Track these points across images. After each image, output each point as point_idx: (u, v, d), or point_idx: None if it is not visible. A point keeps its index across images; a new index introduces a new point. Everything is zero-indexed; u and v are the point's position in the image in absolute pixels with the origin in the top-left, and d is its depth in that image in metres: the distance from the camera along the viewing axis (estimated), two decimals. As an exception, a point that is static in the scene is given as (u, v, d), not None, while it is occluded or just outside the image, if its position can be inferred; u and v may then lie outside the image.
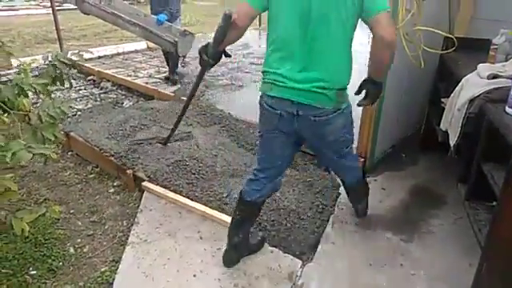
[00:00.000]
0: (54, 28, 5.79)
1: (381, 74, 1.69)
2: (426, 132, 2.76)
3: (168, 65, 4.90)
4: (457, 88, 2.03)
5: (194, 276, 1.83)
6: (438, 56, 2.61)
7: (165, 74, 5.07)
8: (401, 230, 2.15)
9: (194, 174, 2.61)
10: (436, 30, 2.39)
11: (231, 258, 1.90)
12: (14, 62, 1.77)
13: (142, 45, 6.74)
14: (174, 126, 2.82)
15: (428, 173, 2.65)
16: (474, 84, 1.88)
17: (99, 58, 6.11)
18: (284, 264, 1.90)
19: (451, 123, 2.04)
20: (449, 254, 1.99)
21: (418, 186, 2.54)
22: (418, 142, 2.95)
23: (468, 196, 2.05)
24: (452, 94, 2.07)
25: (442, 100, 2.37)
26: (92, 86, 4.83)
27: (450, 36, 2.50)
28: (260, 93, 1.73)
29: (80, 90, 4.69)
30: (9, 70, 1.86)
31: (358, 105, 1.81)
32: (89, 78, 5.01)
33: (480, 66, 1.98)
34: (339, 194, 2.51)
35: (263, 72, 1.71)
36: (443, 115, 2.15)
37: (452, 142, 2.00)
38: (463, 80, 1.99)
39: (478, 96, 1.80)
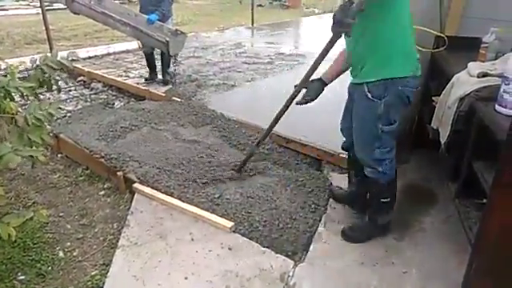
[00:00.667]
0: (44, 28, 5.73)
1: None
2: (418, 130, 2.76)
3: (148, 66, 4.86)
4: (447, 86, 2.03)
5: (186, 278, 1.81)
6: (428, 55, 2.62)
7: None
8: (392, 228, 2.15)
9: (184, 175, 2.59)
10: (426, 29, 2.39)
11: None
12: (3, 64, 1.74)
13: (134, 45, 6.70)
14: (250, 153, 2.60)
15: (419, 171, 2.66)
16: (464, 82, 1.89)
17: (90, 58, 6.07)
18: (276, 264, 1.89)
19: (442, 121, 2.04)
20: (440, 251, 2.00)
21: (410, 185, 2.54)
22: (410, 140, 2.96)
23: (458, 194, 2.06)
24: (443, 93, 2.07)
25: (433, 98, 2.38)
26: (82, 87, 4.78)
27: (441, 34, 2.50)
28: (398, 77, 1.74)
29: (70, 90, 4.64)
30: (-4, 71, 1.83)
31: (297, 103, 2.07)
32: (79, 78, 4.95)
33: (470, 64, 1.98)
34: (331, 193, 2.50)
35: (404, 53, 1.76)
36: (434, 113, 2.15)
37: (443, 140, 2.01)
38: (454, 78, 1.99)
39: (469, 94, 1.80)
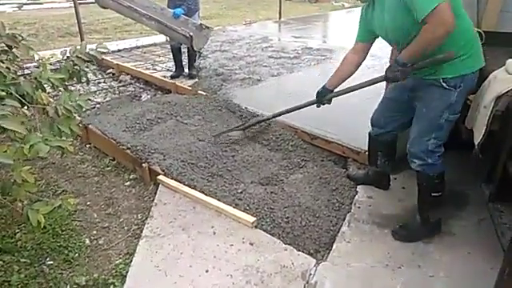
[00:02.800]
0: (76, 21, 5.88)
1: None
2: (450, 130, 2.66)
3: (175, 61, 4.87)
4: (483, 84, 1.94)
5: (207, 271, 1.82)
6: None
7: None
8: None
9: (208, 168, 2.60)
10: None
11: None
12: (36, 56, 1.80)
13: (161, 38, 6.78)
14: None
15: (451, 172, 2.53)
16: (501, 80, 1.79)
17: (119, 51, 6.19)
18: (297, 262, 1.87)
19: (476, 121, 1.95)
20: (470, 256, 1.92)
21: (439, 186, 2.45)
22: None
23: (492, 197, 1.97)
24: (478, 91, 1.98)
25: (468, 97, 2.28)
26: (111, 79, 4.89)
27: (478, 30, 2.38)
28: (462, 72, 1.77)
29: (99, 83, 4.76)
30: (31, 63, 1.89)
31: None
32: (108, 71, 5.07)
33: (509, 61, 1.88)
34: (356, 192, 2.45)
35: (477, 44, 1.81)
36: (468, 113, 2.06)
37: (477, 141, 1.92)
38: (490, 76, 1.90)
39: (506, 93, 1.71)
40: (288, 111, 2.72)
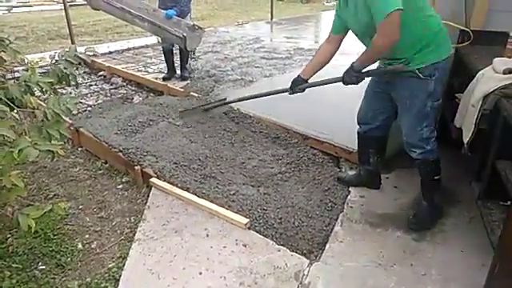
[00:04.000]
0: (66, 24, 5.85)
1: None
2: (440, 129, 2.68)
3: (167, 64, 4.85)
4: (471, 83, 1.96)
5: (200, 274, 1.82)
6: (452, 50, 2.53)
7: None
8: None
9: (201, 170, 2.60)
10: (451, 23, 2.31)
11: None
12: (24, 60, 1.80)
13: (153, 40, 6.75)
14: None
15: (442, 170, 2.58)
16: (489, 79, 1.81)
17: (110, 53, 6.15)
18: (291, 263, 1.87)
19: (465, 120, 1.97)
20: (461, 253, 1.94)
21: (431, 184, 2.47)
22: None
23: (481, 195, 2.00)
24: (466, 90, 2.00)
25: (457, 95, 2.30)
26: (102, 82, 4.86)
27: (466, 29, 2.41)
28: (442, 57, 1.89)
29: (91, 85, 4.72)
30: (20, 67, 1.88)
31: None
32: (99, 73, 5.04)
33: (496, 60, 1.90)
34: (349, 192, 2.47)
35: (443, 32, 1.91)
36: (457, 111, 2.08)
37: (466, 139, 1.94)
38: (478, 75, 1.92)
39: (494, 91, 1.73)
40: (256, 96, 2.78)
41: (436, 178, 2.11)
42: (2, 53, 1.67)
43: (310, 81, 2.28)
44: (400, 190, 2.46)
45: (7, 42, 1.67)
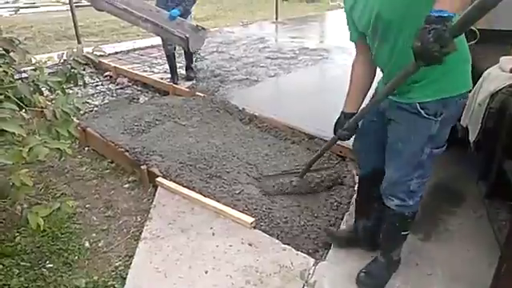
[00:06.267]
0: (73, 24, 5.89)
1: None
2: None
3: (170, 68, 4.81)
4: (478, 82, 1.96)
5: (206, 272, 1.83)
6: (458, 49, 2.52)
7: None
8: (418, 228, 2.09)
9: (207, 170, 2.61)
10: (456, 22, 2.30)
11: None
12: (32, 60, 1.82)
13: (158, 40, 6.71)
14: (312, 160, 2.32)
15: (447, 170, 2.57)
16: (495, 78, 1.81)
17: (116, 53, 6.19)
18: (296, 262, 1.88)
19: (471, 119, 1.97)
20: (467, 253, 1.93)
21: (437, 184, 2.46)
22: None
23: (488, 194, 1.99)
24: (473, 89, 1.99)
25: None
26: (109, 82, 4.89)
27: (472, 28, 2.40)
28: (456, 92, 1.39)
29: (97, 85, 4.76)
30: (28, 67, 1.91)
31: None
32: (106, 73, 5.07)
33: (503, 58, 1.90)
34: (354, 191, 2.46)
35: (467, 59, 1.42)
36: (463, 110, 2.08)
37: (472, 138, 1.94)
38: (485, 73, 1.92)
39: (500, 90, 1.73)
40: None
41: (404, 233, 1.71)
42: (12, 53, 1.69)
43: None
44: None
45: (17, 42, 1.69)
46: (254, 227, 2.10)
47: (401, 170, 1.52)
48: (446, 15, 1.06)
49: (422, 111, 1.39)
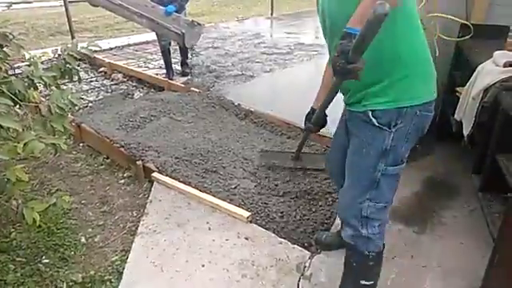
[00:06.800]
0: (67, 20, 5.84)
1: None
2: (441, 122, 2.70)
3: (165, 63, 4.78)
4: (472, 76, 1.97)
5: (203, 266, 1.84)
6: (453, 44, 2.54)
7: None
8: (413, 221, 2.12)
9: (202, 165, 2.61)
10: (452, 17, 2.32)
11: None
12: (26, 55, 1.81)
13: (153, 36, 6.67)
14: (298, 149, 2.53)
15: (443, 163, 2.59)
16: (489, 72, 1.83)
17: (110, 49, 6.15)
18: (292, 255, 1.89)
19: (465, 113, 1.99)
20: (461, 246, 1.95)
21: (432, 177, 2.49)
22: (433, 132, 2.88)
23: (482, 187, 2.01)
24: (467, 83, 2.01)
25: (457, 89, 2.31)
26: (103, 78, 4.86)
27: (466, 22, 2.42)
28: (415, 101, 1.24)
29: (91, 81, 4.73)
30: (22, 62, 1.89)
31: None
32: (100, 69, 5.04)
33: (496, 53, 1.92)
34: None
35: (428, 67, 1.27)
36: (458, 105, 2.09)
37: (466, 132, 1.96)
38: (479, 68, 1.93)
39: (494, 84, 1.75)
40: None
41: (363, 283, 1.43)
42: (5, 48, 1.68)
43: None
44: (401, 183, 2.46)
45: (11, 37, 1.68)
46: (250, 221, 2.11)
47: (352, 190, 1.36)
48: (352, 32, 1.03)
49: (374, 120, 1.25)
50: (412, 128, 1.26)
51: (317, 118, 1.69)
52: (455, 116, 2.12)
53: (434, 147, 2.75)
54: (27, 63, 1.80)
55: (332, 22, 1.27)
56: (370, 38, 0.97)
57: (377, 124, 1.24)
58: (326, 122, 1.73)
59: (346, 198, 1.39)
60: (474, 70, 1.97)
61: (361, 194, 1.33)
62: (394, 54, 1.19)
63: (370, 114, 1.25)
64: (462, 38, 2.44)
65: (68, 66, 1.88)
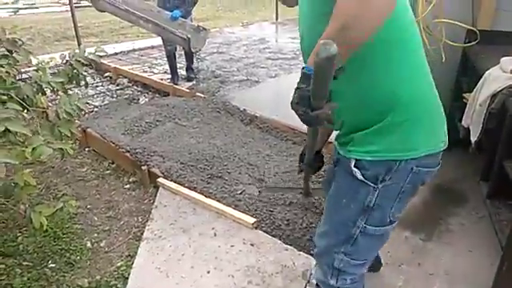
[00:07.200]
0: (73, 25, 5.89)
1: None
2: (448, 129, 2.69)
3: (170, 69, 4.81)
4: (479, 83, 1.96)
5: (208, 272, 1.83)
6: (460, 50, 2.53)
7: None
8: (420, 228, 2.10)
9: (208, 170, 2.61)
10: (458, 23, 2.31)
11: None
12: (34, 60, 1.83)
13: (158, 41, 6.72)
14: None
15: (450, 170, 2.57)
16: (496, 78, 1.82)
17: (116, 54, 6.19)
18: (298, 262, 1.88)
19: (473, 119, 1.98)
20: (469, 253, 1.93)
21: (438, 184, 2.47)
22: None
23: (489, 194, 1.99)
24: (474, 89, 2.00)
25: (464, 95, 2.30)
26: (109, 83, 4.89)
27: (473, 29, 2.41)
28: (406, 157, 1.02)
29: (97, 86, 4.76)
30: (29, 67, 1.91)
31: None
32: (106, 74, 5.07)
33: (503, 59, 1.91)
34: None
35: (429, 112, 1.04)
36: (465, 111, 2.08)
37: (473, 139, 1.94)
38: (485, 74, 1.92)
39: (501, 91, 1.74)
40: None
41: None
42: (15, 53, 1.69)
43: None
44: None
45: (20, 42, 1.70)
46: (256, 228, 2.10)
47: (327, 237, 1.20)
48: (309, 72, 0.82)
49: (358, 172, 1.04)
50: (406, 187, 1.05)
51: (309, 161, 1.41)
52: (462, 122, 2.11)
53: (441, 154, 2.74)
54: (34, 68, 1.82)
55: (305, 51, 1.10)
56: (324, 82, 0.79)
57: (361, 178, 1.04)
58: (322, 162, 1.49)
59: (322, 242, 1.23)
60: (481, 76, 1.96)
61: (336, 245, 1.16)
62: (390, 93, 0.97)
63: (353, 163, 1.04)
64: (469, 44, 2.43)
65: (75, 71, 1.90)
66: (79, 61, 1.82)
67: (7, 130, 1.39)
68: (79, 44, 5.86)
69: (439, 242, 2.01)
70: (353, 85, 0.98)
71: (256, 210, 2.22)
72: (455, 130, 2.35)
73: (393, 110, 0.97)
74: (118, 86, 4.79)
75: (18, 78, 1.87)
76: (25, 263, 1.93)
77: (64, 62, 1.94)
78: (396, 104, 0.97)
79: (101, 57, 1.95)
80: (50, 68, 1.91)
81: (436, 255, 1.93)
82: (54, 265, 1.93)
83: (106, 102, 4.25)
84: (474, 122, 1.95)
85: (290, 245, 1.99)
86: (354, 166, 1.04)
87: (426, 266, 1.86)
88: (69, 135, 1.63)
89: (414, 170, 1.02)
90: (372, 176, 1.03)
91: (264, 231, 2.08)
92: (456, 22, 2.31)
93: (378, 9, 0.80)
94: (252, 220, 2.11)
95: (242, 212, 2.19)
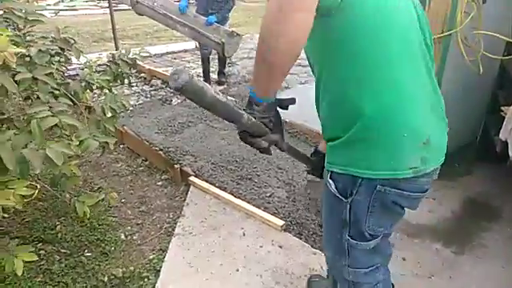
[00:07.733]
0: (110, 27, 6.12)
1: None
2: (483, 142, 2.63)
3: (203, 73, 4.87)
4: (519, 96, 1.93)
5: (237, 270, 1.87)
6: (498, 62, 2.48)
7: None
8: (451, 241, 2.07)
9: (238, 172, 2.67)
10: (497, 35, 2.27)
11: None
12: (84, 59, 1.96)
13: (191, 45, 6.95)
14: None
15: (483, 184, 2.52)
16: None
17: (150, 56, 6.38)
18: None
19: (511, 133, 1.94)
20: (502, 269, 1.89)
21: (472, 198, 2.42)
22: (474, 152, 2.81)
23: (527, 211, 1.94)
24: (513, 103, 1.97)
25: (502, 108, 2.26)
26: (143, 83, 5.05)
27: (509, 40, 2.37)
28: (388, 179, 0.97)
29: (132, 86, 4.92)
30: (69, 65, 2.03)
31: None
32: (140, 75, 5.24)
33: (547, 73, 1.87)
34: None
35: (398, 128, 0.93)
36: (503, 124, 2.04)
37: (511, 153, 1.90)
38: (527, 87, 1.89)
39: (544, 105, 1.70)
40: None
41: None
42: (66, 51, 1.80)
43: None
44: (438, 202, 2.42)
45: (72, 41, 1.81)
46: (285, 230, 2.12)
47: (328, 246, 1.22)
48: (253, 95, 0.89)
49: (332, 184, 1.04)
50: (375, 202, 1.01)
51: (310, 166, 1.43)
52: (500, 136, 2.07)
53: (475, 167, 2.68)
54: (80, 67, 1.93)
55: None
56: (220, 113, 0.86)
57: (333, 189, 1.04)
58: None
59: (327, 252, 1.25)
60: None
61: (339, 259, 1.16)
62: (356, 107, 0.92)
63: (329, 175, 1.05)
64: (508, 57, 2.39)
65: (120, 70, 2.00)
66: (125, 61, 1.92)
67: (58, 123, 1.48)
68: (116, 46, 6.09)
69: (471, 256, 1.98)
70: (327, 95, 1.01)
71: (285, 213, 2.25)
72: (490, 143, 2.30)
73: (355, 124, 0.93)
74: (151, 86, 4.94)
75: (66, 75, 1.99)
76: (63, 251, 2.03)
77: (109, 61, 2.04)
78: (358, 119, 0.92)
79: (144, 57, 2.04)
80: (96, 66, 2.02)
81: (467, 269, 1.90)
82: (89, 254, 2.02)
83: (140, 101, 4.38)
84: (512, 135, 1.91)
85: (319, 249, 2.00)
86: (330, 178, 1.05)
87: (457, 280, 1.83)
88: (113, 130, 1.71)
89: (378, 188, 0.98)
90: (342, 189, 1.03)
91: (292, 234, 2.10)
92: (495, 34, 2.27)
93: (294, 25, 0.79)
94: (281, 222, 2.13)
95: (271, 214, 2.22)
